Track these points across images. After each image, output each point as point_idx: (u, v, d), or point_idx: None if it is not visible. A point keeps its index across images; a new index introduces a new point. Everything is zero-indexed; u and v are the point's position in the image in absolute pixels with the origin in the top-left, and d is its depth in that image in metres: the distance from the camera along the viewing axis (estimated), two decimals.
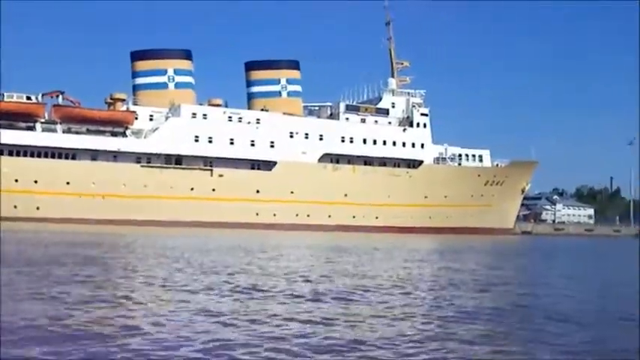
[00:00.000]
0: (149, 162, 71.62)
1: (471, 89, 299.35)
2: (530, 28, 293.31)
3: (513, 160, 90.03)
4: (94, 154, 69.19)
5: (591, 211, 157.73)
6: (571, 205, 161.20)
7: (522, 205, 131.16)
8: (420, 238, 59.60)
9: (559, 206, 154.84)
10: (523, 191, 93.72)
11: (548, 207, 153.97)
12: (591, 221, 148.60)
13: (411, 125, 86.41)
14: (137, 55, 79.41)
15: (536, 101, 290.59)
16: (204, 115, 75.80)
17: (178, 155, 72.67)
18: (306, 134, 79.69)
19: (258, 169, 76.30)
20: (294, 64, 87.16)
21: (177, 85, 78.80)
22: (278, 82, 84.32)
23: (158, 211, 68.75)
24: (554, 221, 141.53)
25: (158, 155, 71.77)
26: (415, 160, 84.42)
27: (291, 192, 75.88)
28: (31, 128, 68.26)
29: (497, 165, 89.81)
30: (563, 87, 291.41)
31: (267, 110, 79.56)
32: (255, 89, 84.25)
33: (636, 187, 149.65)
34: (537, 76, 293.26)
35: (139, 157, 71.19)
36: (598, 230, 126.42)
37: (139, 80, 78.32)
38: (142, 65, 78.45)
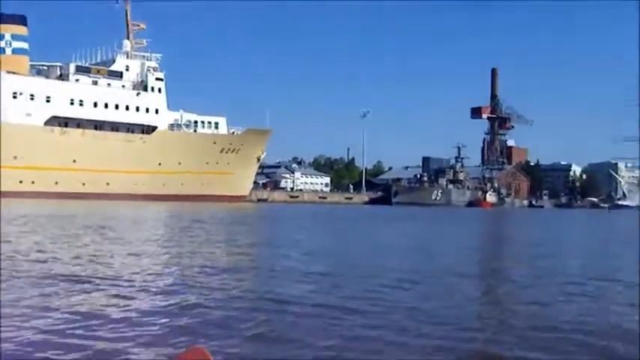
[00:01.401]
0: None
1: (210, 56, 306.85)
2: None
3: (249, 128, 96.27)
4: None
5: (327, 180, 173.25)
6: (309, 174, 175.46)
7: (262, 173, 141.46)
8: (145, 206, 60.55)
9: (297, 174, 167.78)
10: (259, 159, 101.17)
11: (287, 175, 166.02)
12: (327, 189, 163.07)
13: (146, 90, 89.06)
14: None
15: (276, 73, 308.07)
16: None
17: None
18: (32, 95, 79.08)
19: None
20: (19, 19, 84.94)
21: None
22: (2, 37, 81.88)
23: None
24: (292, 189, 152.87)
25: None
26: (149, 126, 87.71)
27: (14, 157, 74.78)
28: None
29: (233, 133, 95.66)
30: (302, 61, 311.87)
31: None
32: None
33: (368, 157, 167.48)
34: (278, 48, 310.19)
35: None
36: (332, 197, 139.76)
37: None
38: None
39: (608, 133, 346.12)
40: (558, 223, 55.68)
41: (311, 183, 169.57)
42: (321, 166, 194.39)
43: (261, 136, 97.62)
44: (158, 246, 20.45)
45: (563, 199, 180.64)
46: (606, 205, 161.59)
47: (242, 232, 30.65)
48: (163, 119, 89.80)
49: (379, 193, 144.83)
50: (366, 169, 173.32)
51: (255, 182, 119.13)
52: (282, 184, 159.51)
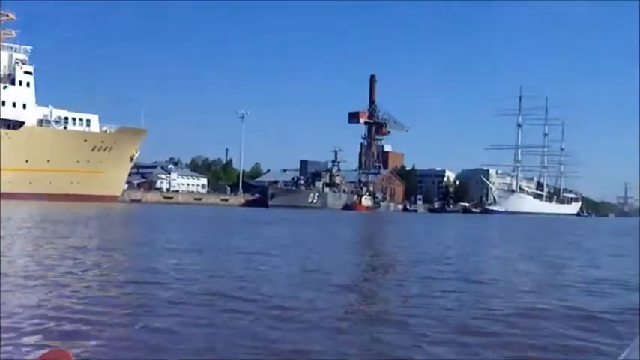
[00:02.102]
0: None
1: (87, 53, 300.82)
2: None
3: (122, 126, 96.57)
4: None
5: (204, 181, 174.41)
6: (185, 175, 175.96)
7: (137, 173, 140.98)
8: (5, 206, 51.44)
9: (174, 175, 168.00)
10: (132, 159, 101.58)
11: (163, 176, 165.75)
12: (204, 190, 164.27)
13: (13, 83, 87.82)
14: None
15: (154, 73, 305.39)
16: None
17: None
18: None
19: None
20: None
21: None
22: None
23: None
24: (168, 190, 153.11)
25: None
26: (16, 121, 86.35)
27: None
28: None
29: (105, 131, 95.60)
30: (180, 60, 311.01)
31: None
32: None
33: (246, 159, 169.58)
34: (156, 47, 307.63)
35: None
36: (207, 199, 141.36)
37: None
38: None
39: (480, 140, 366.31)
40: (419, 227, 59.83)
41: (187, 184, 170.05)
42: (198, 167, 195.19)
43: (135, 136, 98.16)
44: None
45: (437, 204, 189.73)
46: (477, 210, 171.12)
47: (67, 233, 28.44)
48: (31, 114, 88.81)
49: (256, 196, 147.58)
50: (243, 171, 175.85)
51: (129, 182, 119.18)
52: (158, 184, 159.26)
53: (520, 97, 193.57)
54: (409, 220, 78.54)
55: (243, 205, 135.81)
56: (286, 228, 45.60)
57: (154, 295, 11.82)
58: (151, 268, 16.46)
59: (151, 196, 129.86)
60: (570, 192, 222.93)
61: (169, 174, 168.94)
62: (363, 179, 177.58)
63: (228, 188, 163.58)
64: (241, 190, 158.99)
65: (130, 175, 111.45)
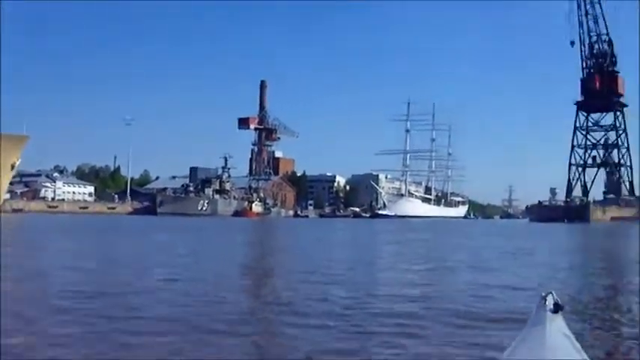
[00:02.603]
0: None
1: None
2: None
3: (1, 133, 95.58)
4: None
5: (92, 189, 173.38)
6: (71, 183, 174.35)
7: (20, 182, 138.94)
8: None
9: (59, 184, 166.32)
10: (13, 167, 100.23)
11: (47, 184, 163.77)
12: (91, 198, 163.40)
13: None
14: None
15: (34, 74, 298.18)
16: None
17: None
18: None
19: None
20: None
21: None
22: None
23: None
24: (53, 199, 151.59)
25: None
26: None
27: None
28: None
29: None
30: (60, 62, 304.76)
31: None
32: None
33: (135, 166, 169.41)
34: (36, 48, 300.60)
35: None
36: (94, 207, 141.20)
37: None
38: None
39: (370, 146, 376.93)
40: (308, 232, 62.03)
41: (73, 192, 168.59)
42: (85, 174, 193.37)
43: (16, 143, 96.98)
44: None
45: (327, 209, 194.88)
46: (367, 215, 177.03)
47: None
48: None
49: (145, 203, 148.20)
50: (132, 179, 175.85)
51: (11, 192, 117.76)
52: (43, 193, 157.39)
53: (408, 103, 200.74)
54: (299, 226, 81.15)
55: (131, 213, 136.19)
56: (161, 236, 43.74)
57: None
58: None
59: (35, 205, 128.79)
60: (457, 195, 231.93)
61: (54, 182, 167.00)
62: (254, 185, 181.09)
63: (116, 196, 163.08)
64: (129, 198, 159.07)
65: (12, 184, 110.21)
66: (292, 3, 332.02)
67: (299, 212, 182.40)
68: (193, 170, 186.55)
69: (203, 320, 9.90)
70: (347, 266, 20.82)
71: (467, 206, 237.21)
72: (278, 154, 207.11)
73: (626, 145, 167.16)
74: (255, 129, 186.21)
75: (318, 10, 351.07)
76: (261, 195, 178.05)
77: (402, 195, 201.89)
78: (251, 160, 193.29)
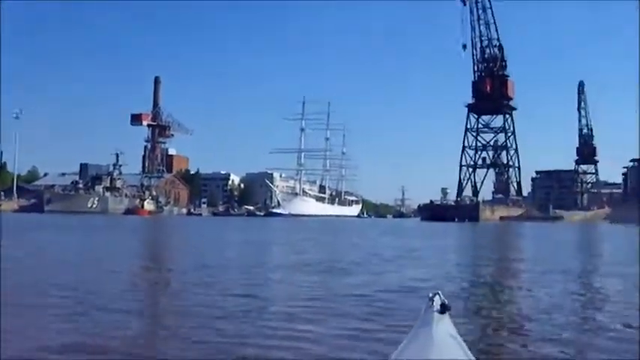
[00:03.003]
0: None
1: None
2: None
3: None
4: None
5: None
6: None
7: None
8: None
9: None
10: None
11: None
12: None
13: None
14: None
15: None
16: None
17: None
18: None
19: None
20: None
21: None
22: None
23: None
24: None
25: None
26: None
27: None
28: None
29: None
30: None
31: None
32: None
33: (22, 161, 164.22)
34: None
35: None
36: None
37: None
38: None
39: (265, 144, 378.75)
40: (201, 230, 62.73)
41: None
42: None
43: None
44: None
45: (221, 208, 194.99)
46: (262, 213, 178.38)
47: None
48: None
49: (32, 200, 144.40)
50: (18, 175, 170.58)
51: None
52: None
53: (303, 102, 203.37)
54: (191, 224, 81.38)
55: (16, 211, 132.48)
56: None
57: None
58: None
59: None
60: (351, 194, 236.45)
61: None
62: (146, 183, 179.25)
63: (2, 193, 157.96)
64: (15, 195, 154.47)
65: None
66: (187, 3, 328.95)
67: (192, 210, 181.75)
68: (83, 167, 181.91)
69: None
70: (239, 268, 19.62)
71: (360, 205, 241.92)
72: (172, 151, 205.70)
73: (514, 147, 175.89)
74: (149, 125, 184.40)
75: (212, 8, 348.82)
76: (154, 193, 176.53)
77: (296, 194, 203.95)
78: (144, 157, 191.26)
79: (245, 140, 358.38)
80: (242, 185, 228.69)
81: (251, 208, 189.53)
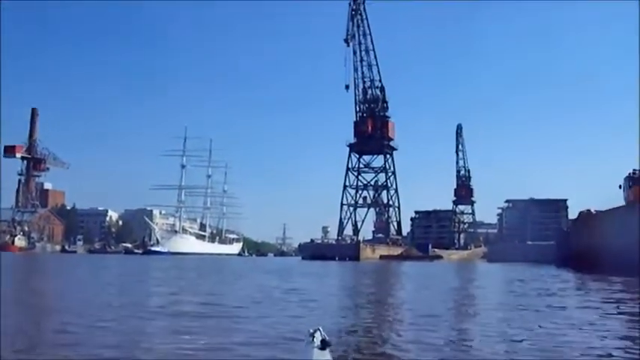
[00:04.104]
0: None
1: None
2: None
3: None
4: None
5: None
6: None
7: None
8: None
9: None
10: None
11: None
12: None
13: None
14: None
15: None
16: None
17: None
18: None
19: None
20: None
21: None
22: None
23: None
24: None
25: None
26: None
27: None
28: None
29: None
30: None
31: None
32: None
33: None
34: None
35: None
36: None
37: None
38: None
39: (145, 180, 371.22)
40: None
41: None
42: None
43: None
44: None
45: (97, 245, 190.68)
46: (140, 251, 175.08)
47: None
48: None
49: None
50: None
51: None
52: None
53: (185, 139, 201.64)
54: (56, 262, 79.08)
55: None
56: None
57: None
58: None
59: None
60: (232, 232, 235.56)
61: None
62: (19, 218, 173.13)
63: None
64: None
65: None
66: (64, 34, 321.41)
67: (67, 247, 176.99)
68: None
69: None
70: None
71: (241, 243, 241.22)
72: (47, 185, 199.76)
73: (394, 186, 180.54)
74: (23, 158, 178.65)
75: (95, 39, 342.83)
76: (26, 228, 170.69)
77: (176, 231, 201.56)
78: (17, 191, 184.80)
79: (124, 176, 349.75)
80: (120, 222, 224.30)
81: (129, 245, 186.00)
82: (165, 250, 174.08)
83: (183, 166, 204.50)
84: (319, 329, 3.39)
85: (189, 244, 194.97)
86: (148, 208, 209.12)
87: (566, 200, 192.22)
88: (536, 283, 37.39)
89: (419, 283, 40.76)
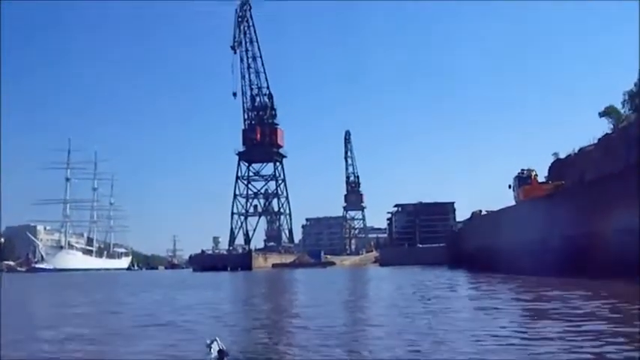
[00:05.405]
0: None
1: None
2: None
3: None
4: None
5: None
6: None
7: None
8: None
9: None
10: None
11: None
12: None
13: None
14: None
15: None
16: None
17: None
18: None
19: None
20: None
21: None
22: None
23: None
24: None
25: None
26: None
27: None
28: None
29: None
30: None
31: None
32: None
33: None
34: None
35: None
36: None
37: None
38: None
39: (26, 195, 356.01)
40: None
41: None
42: None
43: None
44: None
45: None
46: (24, 269, 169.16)
47: None
48: None
49: None
50: None
51: None
52: None
53: (69, 151, 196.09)
54: None
55: None
56: None
57: None
58: None
59: None
60: (121, 246, 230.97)
61: None
62: None
63: None
64: None
65: None
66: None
67: None
68: None
69: None
70: None
71: (130, 257, 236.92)
72: None
73: (285, 194, 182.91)
74: None
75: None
76: None
77: (61, 247, 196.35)
78: None
79: (3, 190, 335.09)
80: (2, 239, 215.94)
81: (12, 263, 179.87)
82: (51, 267, 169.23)
83: (67, 179, 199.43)
84: (216, 339, 3.61)
85: (75, 259, 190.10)
86: (32, 224, 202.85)
87: (453, 203, 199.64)
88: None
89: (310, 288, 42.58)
